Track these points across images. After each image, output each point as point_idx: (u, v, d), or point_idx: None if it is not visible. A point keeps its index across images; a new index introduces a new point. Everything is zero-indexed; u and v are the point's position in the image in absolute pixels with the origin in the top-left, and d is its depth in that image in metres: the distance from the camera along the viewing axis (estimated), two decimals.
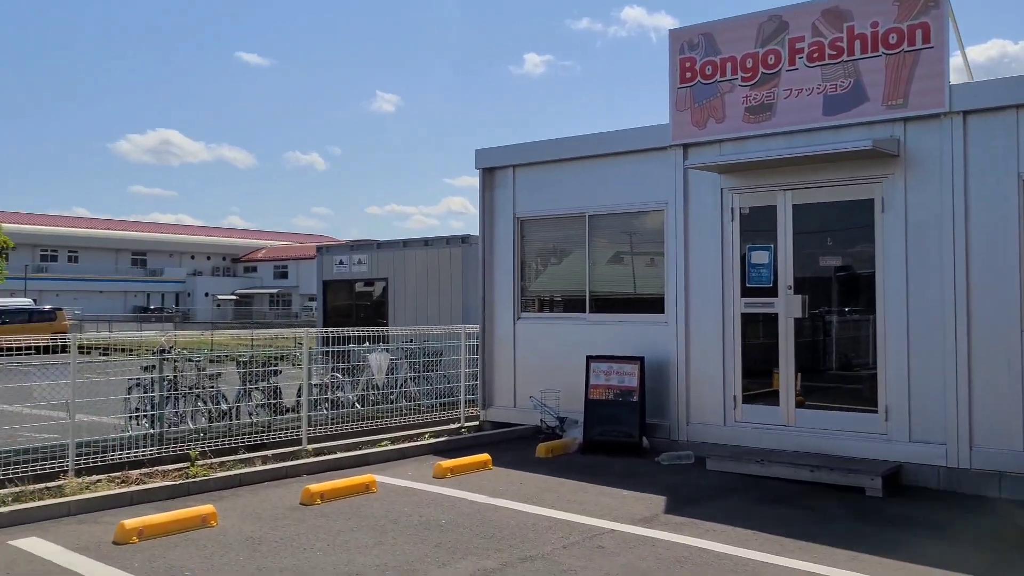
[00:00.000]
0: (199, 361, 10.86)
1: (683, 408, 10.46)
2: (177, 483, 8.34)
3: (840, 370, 9.90)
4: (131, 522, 6.80)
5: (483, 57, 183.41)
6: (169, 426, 9.84)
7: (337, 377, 11.86)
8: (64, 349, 8.73)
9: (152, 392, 9.95)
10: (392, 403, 12.19)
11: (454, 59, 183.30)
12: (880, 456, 8.96)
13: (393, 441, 10.80)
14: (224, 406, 10.76)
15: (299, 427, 10.32)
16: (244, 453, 9.64)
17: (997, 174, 8.52)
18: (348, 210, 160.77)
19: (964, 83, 9.04)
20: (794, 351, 9.69)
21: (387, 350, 12.65)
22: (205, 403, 10.59)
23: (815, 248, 9.90)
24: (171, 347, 10.60)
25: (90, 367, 10.03)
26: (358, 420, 11.36)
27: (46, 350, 9.16)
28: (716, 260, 10.27)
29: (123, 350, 12.70)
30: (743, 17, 10.06)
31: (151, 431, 9.58)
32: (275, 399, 11.07)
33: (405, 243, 19.36)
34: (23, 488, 7.81)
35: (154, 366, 10.03)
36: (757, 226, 10.08)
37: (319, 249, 21.74)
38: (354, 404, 11.96)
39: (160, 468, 8.83)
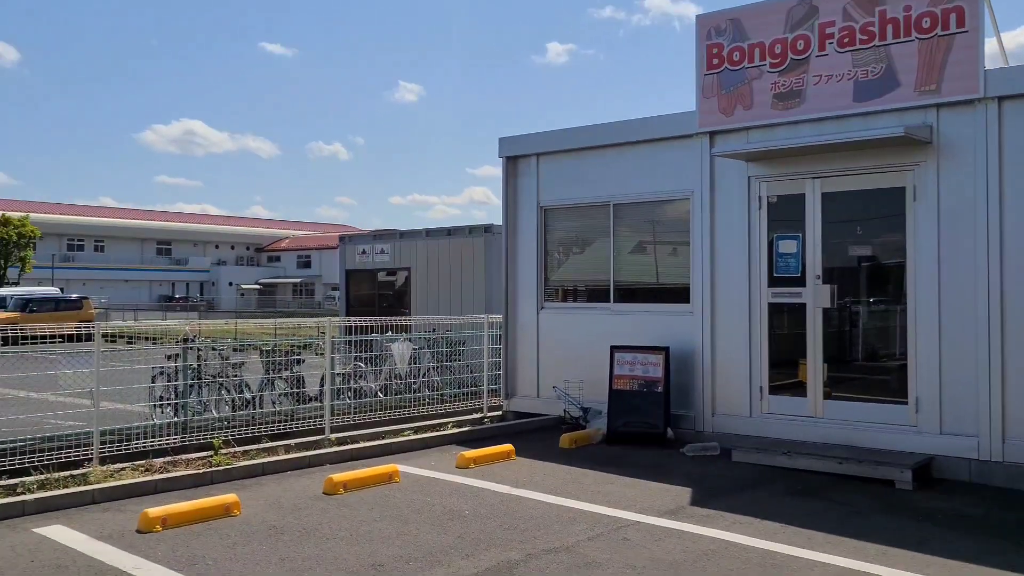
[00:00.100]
0: (223, 350, 10.86)
1: (708, 399, 10.34)
2: (201, 472, 8.34)
3: (868, 361, 9.75)
4: (155, 510, 6.80)
5: (506, 46, 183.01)
6: (193, 415, 9.86)
7: (360, 366, 11.84)
8: (89, 338, 8.75)
9: (176, 380, 9.96)
10: (415, 393, 12.15)
11: (477, 49, 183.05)
12: (910, 448, 8.81)
13: (416, 431, 10.77)
14: (247, 395, 10.76)
15: (322, 416, 10.30)
16: (267, 442, 9.63)
17: None
18: (371, 200, 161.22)
19: (999, 68, 8.82)
20: (822, 342, 9.54)
21: (410, 339, 12.60)
22: (229, 392, 10.60)
23: (844, 237, 9.73)
24: (195, 336, 10.61)
25: (115, 355, 10.06)
26: (381, 410, 11.33)
27: (72, 338, 9.18)
28: (743, 249, 10.13)
29: (148, 339, 12.75)
30: (772, 2, 9.88)
31: (175, 419, 9.60)
32: (298, 388, 11.06)
33: (428, 232, 19.31)
34: (48, 476, 7.83)
35: (178, 355, 10.04)
36: (785, 215, 9.93)
37: (342, 239, 21.73)
38: (376, 394, 11.93)
39: (184, 457, 8.84)
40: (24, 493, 7.43)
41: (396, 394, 12.02)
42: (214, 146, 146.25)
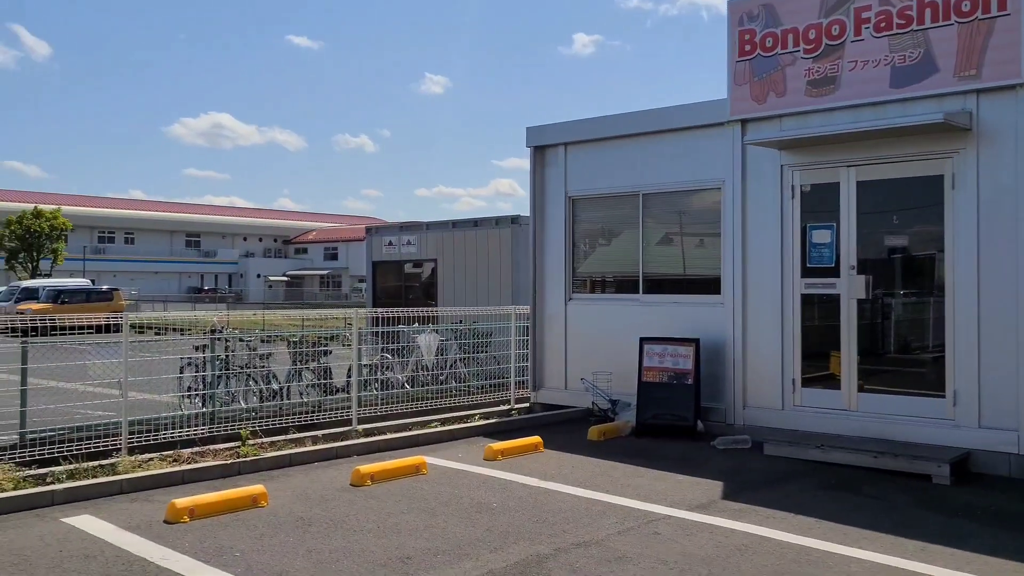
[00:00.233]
0: (251, 341, 10.86)
1: (739, 391, 10.18)
2: (228, 462, 8.32)
3: (903, 353, 9.54)
4: (182, 501, 6.78)
5: (532, 38, 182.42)
6: (221, 405, 9.85)
7: (387, 358, 11.80)
8: (119, 329, 8.75)
9: (204, 371, 9.97)
10: (442, 384, 12.09)
11: (503, 40, 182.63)
12: (947, 442, 8.61)
13: (443, 422, 10.70)
14: (275, 386, 10.75)
15: (349, 407, 10.27)
16: (294, 433, 9.61)
17: None
18: (397, 192, 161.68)
19: None
20: (856, 333, 9.35)
21: (436, 331, 12.54)
22: (256, 383, 10.59)
23: (879, 227, 9.52)
24: (223, 327, 10.61)
25: (144, 346, 10.08)
26: (407, 401, 11.28)
27: (103, 329, 9.21)
28: (775, 239, 9.95)
29: (176, 330, 12.79)
30: None
31: (203, 410, 9.60)
32: (325, 379, 11.03)
33: (454, 224, 19.23)
34: (77, 466, 7.85)
35: (206, 345, 10.04)
36: (818, 204, 9.74)
37: (368, 230, 21.71)
38: (403, 385, 11.89)
39: (211, 447, 8.83)
40: (53, 483, 7.45)
41: (423, 386, 11.97)
42: (242, 139, 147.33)
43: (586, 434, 10.16)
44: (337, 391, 11.04)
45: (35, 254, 57.49)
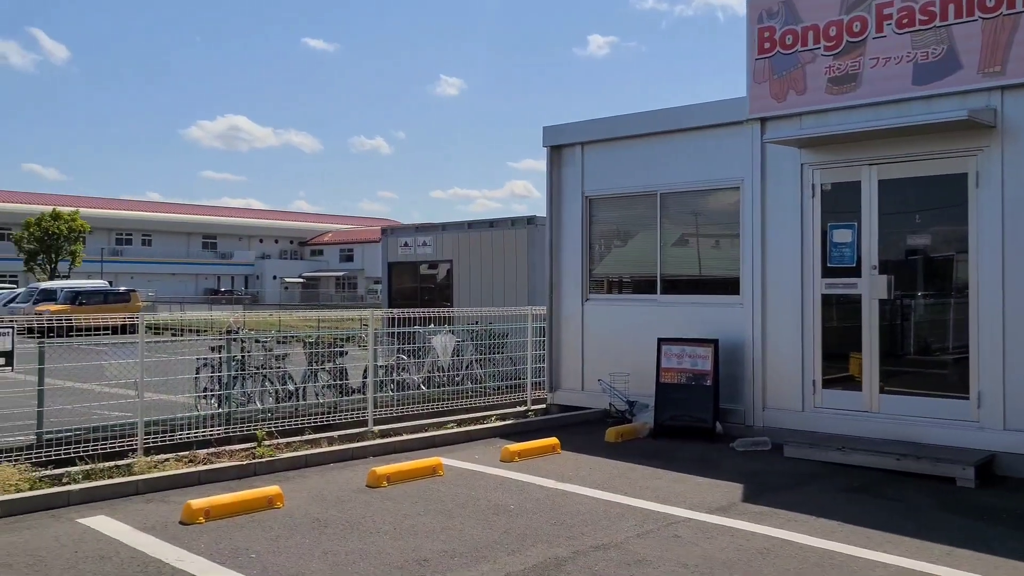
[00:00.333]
0: (267, 342, 10.84)
1: (758, 393, 10.07)
2: (244, 463, 8.28)
3: (926, 354, 9.40)
4: (198, 502, 6.74)
5: (546, 39, 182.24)
6: (237, 406, 9.83)
7: (402, 359, 11.75)
8: (136, 329, 8.74)
9: (220, 372, 9.95)
10: (457, 385, 12.03)
11: (517, 42, 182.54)
12: (971, 445, 8.47)
13: (459, 424, 10.64)
14: (291, 387, 10.73)
15: (364, 408, 10.22)
16: (310, 434, 9.57)
17: None
18: (412, 194, 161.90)
19: None
20: (878, 334, 9.21)
21: (452, 332, 12.48)
22: (272, 383, 10.57)
23: (901, 226, 9.39)
24: (239, 328, 10.59)
25: (160, 347, 10.07)
26: (423, 402, 11.23)
27: (120, 330, 9.21)
28: (795, 239, 9.83)
29: (192, 330, 12.79)
30: None
31: (219, 411, 9.58)
32: (341, 380, 10.99)
33: (470, 225, 19.17)
34: (93, 466, 7.83)
35: (222, 346, 10.02)
36: (839, 203, 9.61)
37: (384, 231, 21.68)
38: (419, 386, 11.84)
39: (227, 448, 8.80)
40: (69, 483, 7.43)
41: (439, 387, 11.91)
42: (258, 141, 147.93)
43: (603, 435, 10.07)
44: (353, 392, 11.00)
45: (53, 256, 57.91)
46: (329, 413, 10.18)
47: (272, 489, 7.20)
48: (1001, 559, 5.85)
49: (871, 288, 9.26)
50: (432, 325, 12.27)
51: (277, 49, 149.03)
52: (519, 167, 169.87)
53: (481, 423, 10.78)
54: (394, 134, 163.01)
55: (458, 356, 12.42)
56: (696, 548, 6.06)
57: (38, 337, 8.54)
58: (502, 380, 12.26)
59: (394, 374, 11.39)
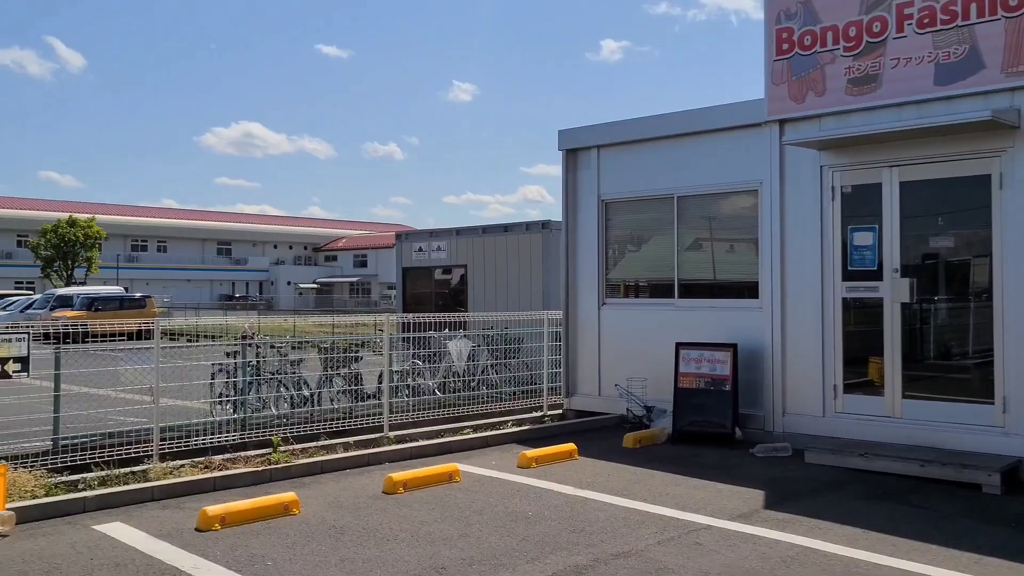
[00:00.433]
0: (282, 347, 10.79)
1: (778, 398, 9.95)
2: (259, 469, 8.23)
3: (949, 359, 9.26)
4: (214, 509, 6.68)
5: (559, 44, 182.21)
6: (252, 412, 9.78)
7: (417, 364, 11.68)
8: (151, 335, 8.71)
9: (235, 377, 9.91)
10: (473, 391, 11.95)
11: (530, 47, 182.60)
12: (996, 451, 8.32)
13: (475, 429, 10.56)
14: (306, 392, 10.68)
15: (380, 414, 10.15)
16: (325, 439, 9.51)
17: None
18: (426, 199, 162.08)
19: None
20: (900, 338, 9.08)
21: (467, 336, 12.41)
22: (287, 389, 10.52)
23: (923, 228, 9.25)
24: (254, 333, 10.55)
25: (175, 352, 10.04)
26: (439, 408, 11.16)
27: (135, 336, 9.18)
28: (815, 242, 9.71)
29: (207, 336, 12.77)
30: None
31: (234, 416, 9.53)
32: (356, 385, 10.94)
33: (485, 229, 19.09)
34: (109, 472, 7.80)
35: (237, 352, 9.98)
36: (860, 205, 9.49)
37: (398, 236, 21.64)
38: (434, 391, 11.77)
39: (243, 454, 8.75)
40: (85, 489, 7.40)
41: (454, 392, 11.84)
42: (272, 147, 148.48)
43: (621, 441, 9.97)
44: (368, 397, 10.94)
45: (70, 262, 58.27)
46: (345, 419, 10.12)
47: (288, 495, 7.14)
48: None
49: (893, 291, 9.13)
50: (447, 330, 12.21)
51: (291, 56, 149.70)
52: (532, 172, 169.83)
53: (497, 429, 10.70)
54: (407, 140, 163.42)
55: (473, 361, 12.35)
56: (718, 556, 5.95)
57: (54, 343, 8.53)
58: (518, 385, 12.17)
59: (409, 379, 11.33)
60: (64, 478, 7.64)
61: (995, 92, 8.43)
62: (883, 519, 6.89)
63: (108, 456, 8.10)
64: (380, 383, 10.49)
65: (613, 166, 11.74)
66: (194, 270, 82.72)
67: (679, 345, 10.36)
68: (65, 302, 34.44)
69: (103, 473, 7.77)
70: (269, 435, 9.19)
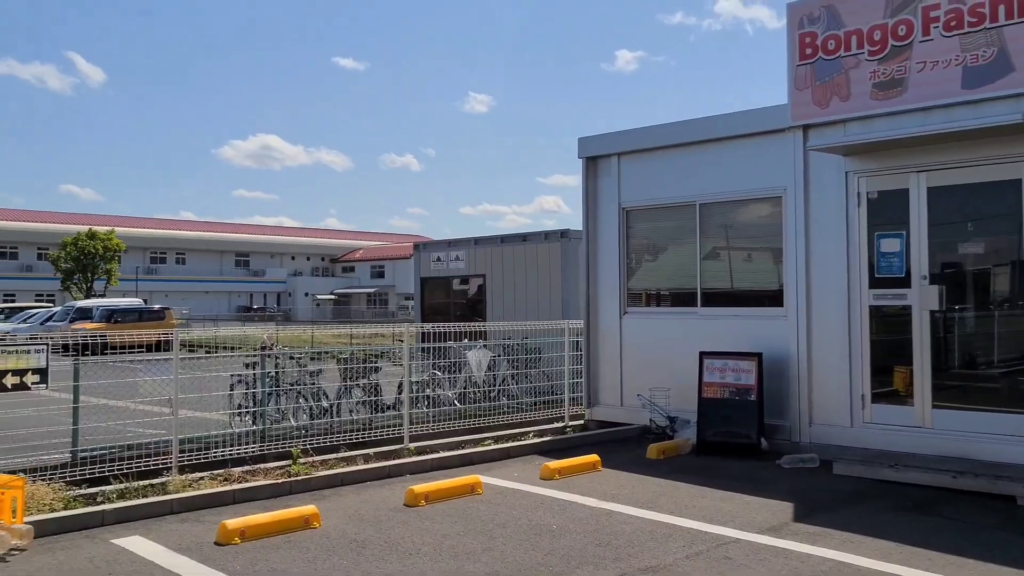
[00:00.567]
0: (300, 358, 10.71)
1: (804, 408, 9.77)
2: (279, 482, 8.13)
3: (980, 368, 9.06)
4: (233, 522, 6.59)
5: (574, 55, 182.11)
6: (271, 423, 9.70)
7: (436, 374, 11.58)
8: (170, 346, 8.65)
9: (254, 389, 9.84)
10: (492, 401, 11.83)
11: (545, 58, 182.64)
12: None
13: (496, 440, 10.43)
14: (325, 403, 10.59)
15: (399, 425, 10.05)
16: (345, 451, 9.41)
17: None
18: (442, 210, 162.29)
19: None
20: (930, 346, 8.90)
21: (486, 346, 12.30)
22: (306, 400, 10.44)
23: (952, 234, 9.08)
24: (272, 344, 10.49)
25: (194, 363, 9.99)
26: (459, 418, 11.04)
27: (154, 347, 9.13)
28: (840, 249, 9.55)
29: (226, 347, 12.72)
30: None
31: (253, 428, 9.45)
32: (375, 396, 10.84)
33: (503, 239, 19.00)
34: (128, 485, 7.73)
35: (256, 362, 9.91)
36: (886, 212, 9.33)
37: (417, 246, 21.59)
38: (453, 402, 11.65)
39: (262, 466, 8.66)
40: (104, 502, 7.33)
41: (473, 402, 11.72)
42: (289, 160, 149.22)
43: (645, 452, 9.81)
44: (387, 408, 10.84)
45: (89, 275, 58.65)
46: (364, 430, 10.02)
47: (308, 509, 7.04)
48: None
49: (922, 299, 8.95)
50: (466, 340, 12.10)
51: (308, 69, 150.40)
52: (548, 183, 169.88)
53: (519, 440, 10.57)
54: (424, 151, 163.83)
55: (492, 371, 12.23)
56: (749, 571, 5.80)
57: (73, 354, 8.48)
58: (538, 396, 12.04)
59: (428, 390, 11.22)
60: (83, 491, 7.57)
61: None
62: (916, 532, 6.71)
63: (127, 468, 8.04)
64: (399, 394, 10.39)
65: (634, 173, 11.62)
66: (212, 282, 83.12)
67: (703, 354, 10.20)
68: (85, 314, 34.59)
69: (122, 486, 7.70)
70: (288, 447, 9.10)
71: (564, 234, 17.12)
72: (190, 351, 11.74)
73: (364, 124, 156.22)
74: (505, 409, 11.68)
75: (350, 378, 10.90)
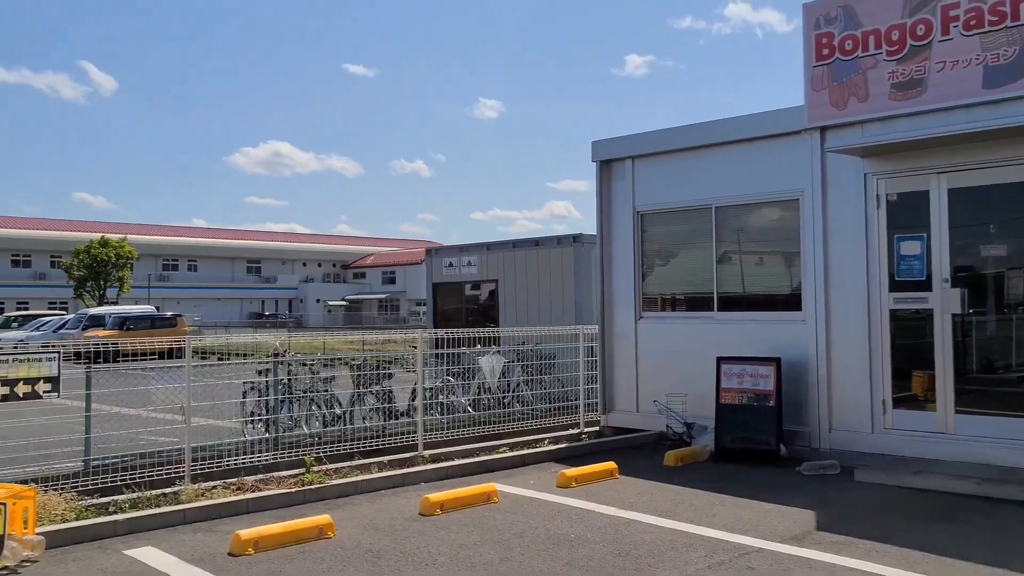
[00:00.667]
0: (313, 365, 10.63)
1: (824, 413, 9.62)
2: (293, 491, 8.04)
3: (1005, 372, 8.89)
4: (247, 532, 6.49)
5: (584, 60, 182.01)
6: (284, 431, 9.61)
7: (449, 381, 11.47)
8: (183, 354, 8.57)
9: (267, 396, 9.75)
10: (506, 408, 11.71)
11: (556, 63, 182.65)
12: None
13: (511, 447, 10.31)
14: (338, 410, 10.50)
15: (413, 432, 9.94)
16: (359, 459, 9.31)
17: None
18: (453, 216, 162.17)
19: None
20: (952, 350, 8.74)
21: (499, 352, 12.18)
22: (319, 407, 10.35)
23: (974, 237, 8.93)
24: (285, 350, 10.41)
25: (207, 371, 9.91)
26: (472, 425, 10.93)
27: (167, 354, 9.06)
28: (859, 252, 9.41)
29: (238, 354, 12.64)
30: None
31: (266, 436, 9.37)
32: (388, 403, 10.74)
33: (515, 244, 18.90)
34: (140, 494, 7.65)
35: (269, 369, 9.83)
36: (906, 214, 9.18)
37: (428, 252, 21.51)
38: (467, 408, 11.54)
39: (275, 474, 8.57)
40: (116, 512, 7.25)
41: (487, 409, 11.61)
42: (300, 166, 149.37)
43: (662, 459, 9.68)
44: (400, 415, 10.74)
45: (102, 282, 58.80)
46: (377, 437, 9.92)
47: (323, 518, 6.94)
48: None
49: (943, 302, 8.80)
50: (479, 346, 11.99)
51: (318, 76, 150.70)
52: (559, 188, 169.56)
53: (534, 447, 10.45)
54: (434, 157, 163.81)
55: (506, 377, 12.11)
56: None
57: (85, 362, 8.41)
58: (552, 402, 11.91)
59: (441, 396, 11.12)
60: (95, 500, 7.50)
61: None
62: (942, 540, 6.56)
63: (139, 478, 7.96)
64: (412, 400, 10.28)
65: (648, 177, 11.50)
66: (224, 288, 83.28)
67: (720, 359, 10.07)
68: (97, 321, 34.66)
69: (134, 495, 7.62)
70: (301, 455, 9.01)
71: (577, 238, 17.02)
72: (202, 358, 11.65)
73: (374, 130, 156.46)
74: (519, 416, 11.55)
75: (363, 385, 10.80)
